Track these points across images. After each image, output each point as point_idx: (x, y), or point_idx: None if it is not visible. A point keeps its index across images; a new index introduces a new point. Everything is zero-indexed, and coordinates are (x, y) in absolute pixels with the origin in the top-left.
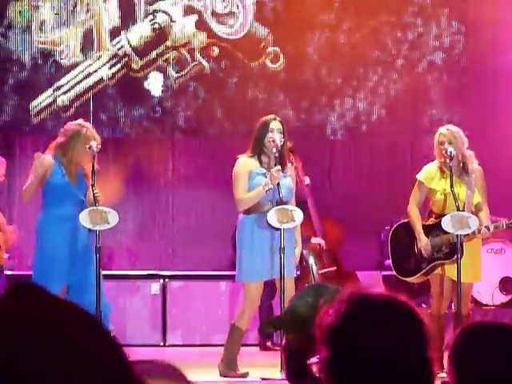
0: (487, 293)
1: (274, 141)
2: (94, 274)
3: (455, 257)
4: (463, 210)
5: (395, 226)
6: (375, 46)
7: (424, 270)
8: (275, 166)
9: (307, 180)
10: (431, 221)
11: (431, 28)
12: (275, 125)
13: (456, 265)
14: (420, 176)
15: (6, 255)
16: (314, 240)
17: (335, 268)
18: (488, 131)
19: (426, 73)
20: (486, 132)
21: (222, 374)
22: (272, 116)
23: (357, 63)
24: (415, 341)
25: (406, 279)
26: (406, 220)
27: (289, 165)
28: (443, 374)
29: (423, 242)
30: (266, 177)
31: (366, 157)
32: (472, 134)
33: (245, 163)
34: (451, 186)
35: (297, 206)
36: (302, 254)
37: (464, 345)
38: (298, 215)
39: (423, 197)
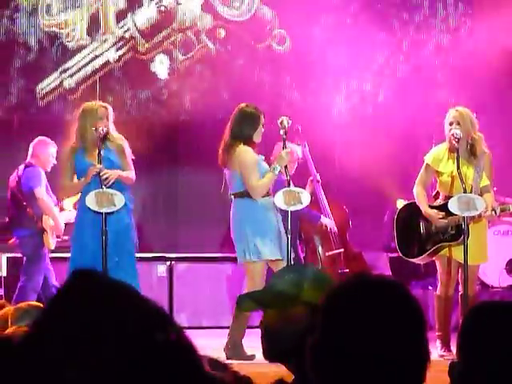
0: (494, 275)
1: (281, 122)
2: (124, 256)
3: (461, 239)
4: (470, 193)
5: (400, 207)
6: (382, 27)
7: (429, 252)
8: (283, 148)
9: (318, 177)
10: (438, 202)
11: (438, 10)
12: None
13: (462, 246)
14: (427, 158)
15: (55, 240)
16: (324, 220)
17: (342, 250)
18: (495, 113)
19: (433, 55)
20: (492, 114)
21: (228, 357)
22: (259, 109)
23: (363, 45)
24: (408, 326)
25: (410, 260)
26: (410, 201)
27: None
28: (450, 357)
29: (434, 218)
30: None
31: (372, 139)
32: (479, 116)
33: (251, 151)
34: (458, 168)
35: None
36: (309, 235)
37: (472, 325)
38: (305, 197)
39: (430, 179)
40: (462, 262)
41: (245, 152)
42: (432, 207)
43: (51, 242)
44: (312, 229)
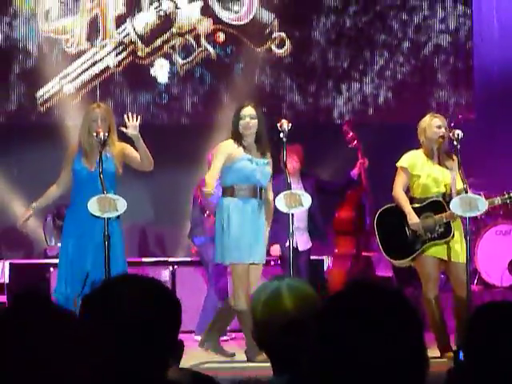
0: (496, 274)
1: (281, 125)
2: (117, 262)
3: (450, 236)
4: (450, 194)
5: (380, 211)
6: (381, 29)
7: (418, 252)
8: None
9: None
10: (414, 205)
11: (437, 11)
12: (247, 111)
13: (450, 245)
14: (403, 163)
15: None
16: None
17: (354, 252)
18: (494, 113)
19: (433, 55)
20: (492, 114)
21: (250, 360)
22: (246, 102)
23: (363, 47)
24: (407, 331)
25: (397, 262)
26: (391, 205)
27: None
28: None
29: (414, 221)
30: (251, 162)
31: (373, 140)
32: (479, 116)
33: (226, 145)
34: (459, 168)
35: (344, 187)
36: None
37: (479, 325)
38: (306, 200)
39: (407, 182)
40: (452, 260)
41: (219, 144)
42: (415, 208)
43: None
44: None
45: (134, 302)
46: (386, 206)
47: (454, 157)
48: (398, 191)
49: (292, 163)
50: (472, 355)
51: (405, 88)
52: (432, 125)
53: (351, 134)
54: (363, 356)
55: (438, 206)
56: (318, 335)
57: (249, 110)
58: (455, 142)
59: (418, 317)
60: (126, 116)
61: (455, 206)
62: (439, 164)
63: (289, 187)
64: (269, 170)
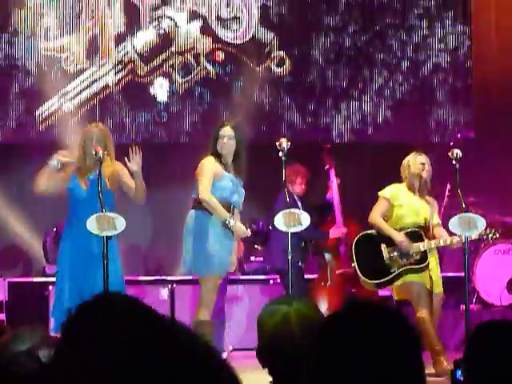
0: (495, 293)
1: (280, 144)
2: (115, 280)
3: (425, 263)
4: (427, 226)
5: (357, 237)
6: (380, 48)
7: (393, 274)
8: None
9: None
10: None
11: (436, 30)
12: (225, 131)
13: (427, 274)
14: (385, 193)
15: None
16: (333, 234)
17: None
18: (493, 132)
19: (432, 74)
20: (491, 133)
21: None
22: (226, 122)
23: (362, 66)
24: (406, 350)
25: (370, 281)
26: (368, 232)
27: None
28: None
29: (401, 239)
30: (232, 183)
31: (373, 159)
32: (477, 134)
33: (211, 162)
34: (457, 188)
35: (323, 206)
36: (320, 252)
37: (475, 343)
38: (305, 218)
39: (385, 211)
40: (434, 291)
41: (203, 161)
42: (389, 239)
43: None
44: (323, 246)
45: (116, 322)
46: (362, 233)
47: (434, 200)
48: (376, 217)
49: (300, 186)
50: (471, 373)
51: (404, 107)
52: (416, 162)
53: (325, 157)
54: (362, 375)
55: (415, 235)
56: (317, 354)
57: (227, 131)
58: (454, 162)
59: (417, 335)
60: (130, 149)
61: (454, 225)
62: (422, 197)
63: (288, 206)
64: (243, 191)
